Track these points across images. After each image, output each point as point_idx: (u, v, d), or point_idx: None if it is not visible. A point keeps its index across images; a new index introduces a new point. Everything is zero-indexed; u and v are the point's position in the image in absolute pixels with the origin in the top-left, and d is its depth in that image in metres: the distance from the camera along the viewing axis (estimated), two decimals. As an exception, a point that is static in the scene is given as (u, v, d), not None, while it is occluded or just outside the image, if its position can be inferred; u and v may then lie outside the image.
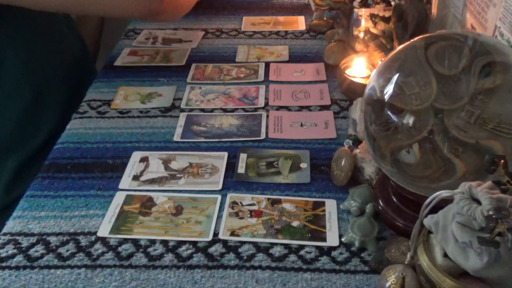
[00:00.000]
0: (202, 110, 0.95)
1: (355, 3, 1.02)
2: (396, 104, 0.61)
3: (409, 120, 0.59)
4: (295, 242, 0.67)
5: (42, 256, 0.66)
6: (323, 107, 0.95)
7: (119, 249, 0.67)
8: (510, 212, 0.45)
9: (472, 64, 0.57)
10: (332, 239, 0.68)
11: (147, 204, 0.74)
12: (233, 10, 1.38)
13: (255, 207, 0.73)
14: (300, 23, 1.30)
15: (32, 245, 0.68)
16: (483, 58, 0.57)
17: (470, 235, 0.48)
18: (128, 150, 0.85)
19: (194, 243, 0.68)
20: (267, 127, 0.90)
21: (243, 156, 0.83)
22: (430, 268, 0.51)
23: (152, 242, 0.68)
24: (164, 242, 0.68)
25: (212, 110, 0.95)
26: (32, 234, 0.69)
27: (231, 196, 0.75)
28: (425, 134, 0.58)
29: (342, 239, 0.68)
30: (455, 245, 0.49)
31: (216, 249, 0.67)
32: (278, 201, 0.74)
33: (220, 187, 0.77)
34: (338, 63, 1.02)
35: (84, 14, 1.00)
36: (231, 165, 0.81)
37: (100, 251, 0.67)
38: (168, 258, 0.66)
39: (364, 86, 0.67)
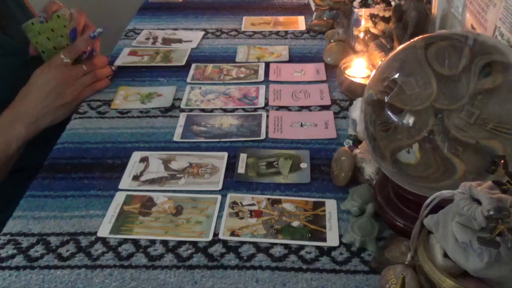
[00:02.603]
0: (202, 110, 0.95)
1: (355, 3, 1.02)
2: (396, 104, 0.61)
3: (409, 120, 0.59)
4: (295, 242, 0.67)
5: (42, 256, 0.66)
6: (323, 107, 0.95)
7: (119, 249, 0.67)
8: (510, 212, 0.45)
9: (472, 64, 0.57)
10: (332, 239, 0.68)
11: (147, 204, 0.74)
12: (233, 10, 1.38)
13: (255, 207, 0.73)
14: (300, 23, 1.30)
15: (32, 245, 0.68)
16: (483, 58, 0.57)
17: (470, 235, 0.48)
18: (128, 150, 0.85)
19: (194, 243, 0.68)
20: (267, 127, 0.90)
21: (243, 156, 0.83)
22: (430, 268, 0.51)
23: (152, 242, 0.68)
24: (164, 242, 0.68)
25: (212, 110, 0.95)
26: (32, 234, 0.69)
27: (231, 196, 0.75)
28: (425, 134, 0.58)
29: (342, 239, 0.67)
30: (455, 245, 0.49)
31: (216, 249, 0.67)
32: (278, 201, 0.74)
33: (220, 187, 0.77)
34: (338, 63, 1.02)
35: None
36: (231, 165, 0.81)
37: (100, 251, 0.67)
38: (168, 258, 0.66)
39: (364, 86, 0.67)
